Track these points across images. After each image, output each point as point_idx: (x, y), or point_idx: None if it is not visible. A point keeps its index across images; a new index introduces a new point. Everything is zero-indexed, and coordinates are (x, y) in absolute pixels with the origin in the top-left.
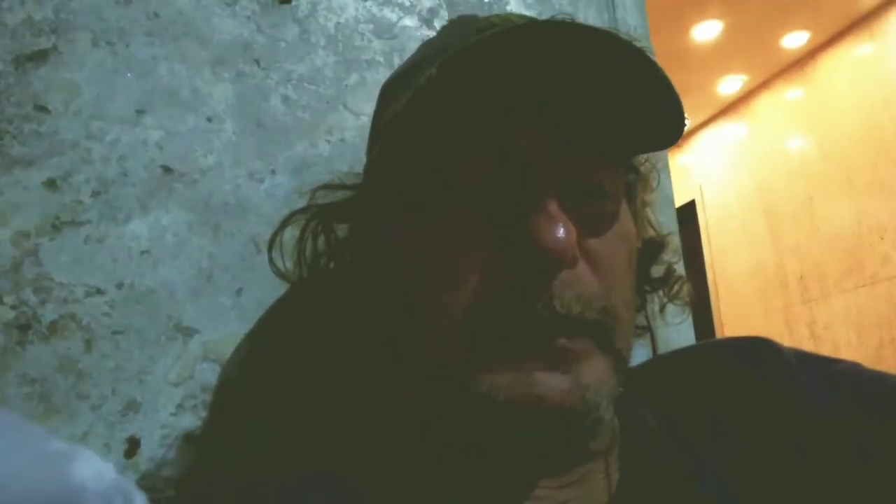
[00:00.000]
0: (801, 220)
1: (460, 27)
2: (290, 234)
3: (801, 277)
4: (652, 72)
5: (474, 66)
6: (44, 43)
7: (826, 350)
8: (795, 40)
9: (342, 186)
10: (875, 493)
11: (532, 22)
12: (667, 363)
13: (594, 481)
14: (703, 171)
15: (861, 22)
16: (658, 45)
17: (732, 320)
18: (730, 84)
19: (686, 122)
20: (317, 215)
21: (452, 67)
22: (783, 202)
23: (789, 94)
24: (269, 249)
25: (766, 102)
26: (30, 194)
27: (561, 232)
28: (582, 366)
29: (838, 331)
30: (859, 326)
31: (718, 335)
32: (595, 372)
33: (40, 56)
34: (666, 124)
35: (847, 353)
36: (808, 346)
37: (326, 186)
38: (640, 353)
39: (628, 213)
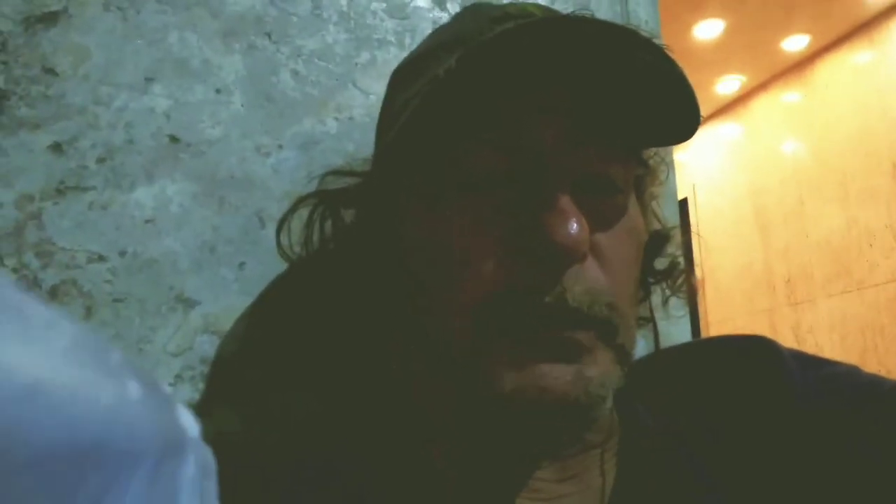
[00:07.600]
0: (791, 223)
1: (474, 16)
2: (298, 217)
3: (789, 280)
4: (670, 70)
5: (492, 59)
6: (54, 5)
7: None
8: (796, 43)
9: (351, 173)
10: (869, 495)
11: (552, 17)
12: (665, 360)
13: (592, 476)
14: (696, 169)
15: (862, 28)
16: None
17: (718, 320)
18: (728, 84)
19: (700, 120)
20: (325, 200)
21: (471, 60)
22: (775, 205)
23: (786, 97)
24: (278, 234)
25: (762, 104)
26: (35, 157)
27: (574, 227)
28: (587, 358)
29: (822, 335)
30: (843, 332)
31: (704, 335)
32: (599, 364)
33: (50, 18)
34: (681, 122)
35: (829, 357)
36: None
37: (336, 172)
38: (640, 346)
39: (637, 206)
